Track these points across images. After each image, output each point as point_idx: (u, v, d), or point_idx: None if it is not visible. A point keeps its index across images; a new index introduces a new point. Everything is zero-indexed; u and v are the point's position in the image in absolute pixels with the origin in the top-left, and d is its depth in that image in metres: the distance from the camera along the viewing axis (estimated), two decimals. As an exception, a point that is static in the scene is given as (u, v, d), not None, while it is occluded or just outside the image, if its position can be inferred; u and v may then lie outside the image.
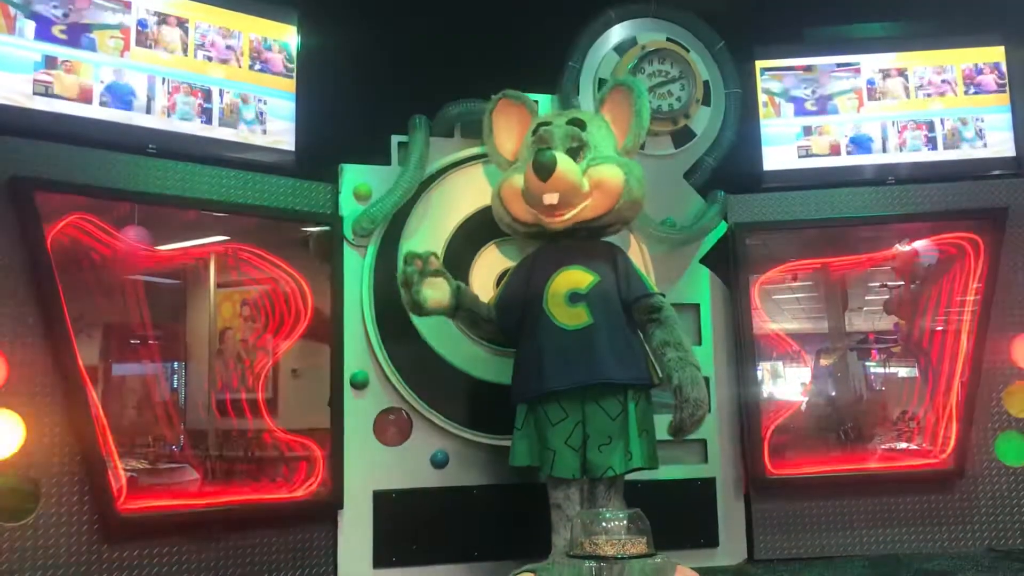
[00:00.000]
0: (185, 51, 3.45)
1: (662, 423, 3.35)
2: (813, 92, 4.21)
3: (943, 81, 4.19)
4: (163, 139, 3.37)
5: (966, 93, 4.18)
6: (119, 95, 3.29)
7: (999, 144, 4.14)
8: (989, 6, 4.26)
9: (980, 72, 4.18)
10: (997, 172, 4.12)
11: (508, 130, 3.61)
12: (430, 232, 3.79)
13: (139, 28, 3.36)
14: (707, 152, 4.11)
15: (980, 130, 4.15)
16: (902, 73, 4.21)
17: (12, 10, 3.10)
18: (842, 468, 4.13)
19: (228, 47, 3.54)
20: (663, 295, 3.38)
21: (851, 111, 4.20)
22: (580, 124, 3.38)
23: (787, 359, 4.50)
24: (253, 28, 3.61)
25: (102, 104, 3.25)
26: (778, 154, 4.18)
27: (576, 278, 3.27)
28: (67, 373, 3.01)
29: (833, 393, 4.53)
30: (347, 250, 3.71)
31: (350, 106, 3.88)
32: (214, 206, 3.48)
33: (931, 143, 4.16)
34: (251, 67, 3.59)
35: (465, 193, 3.83)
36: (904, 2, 4.35)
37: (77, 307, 3.17)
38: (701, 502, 3.88)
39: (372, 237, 3.72)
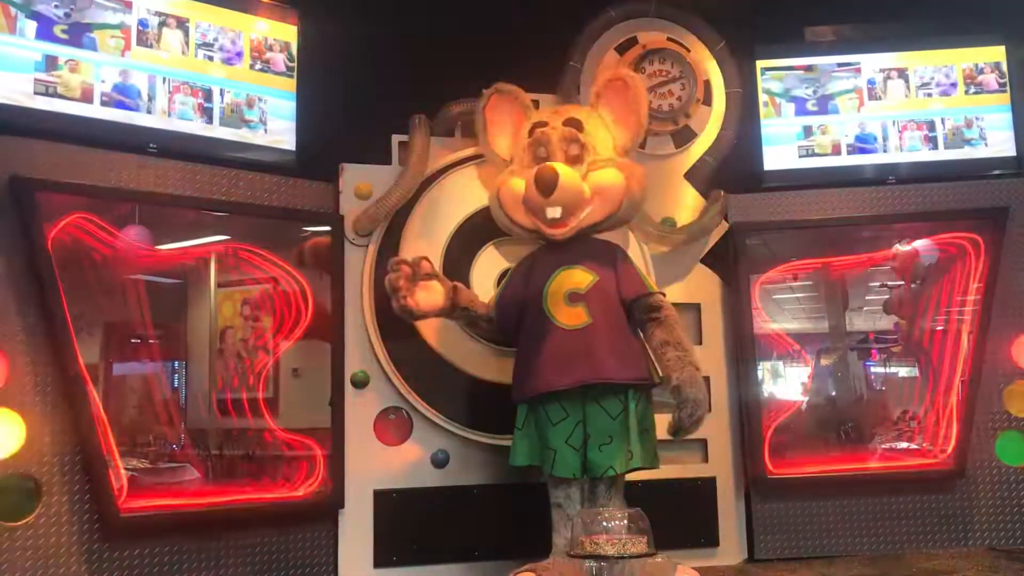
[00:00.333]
0: (186, 51, 3.45)
1: (663, 423, 3.35)
2: (814, 92, 4.21)
3: (943, 81, 4.18)
4: (163, 139, 3.36)
5: (967, 93, 4.18)
6: (120, 95, 3.29)
7: (1000, 144, 4.13)
8: (989, 6, 4.26)
9: (981, 72, 4.17)
10: (998, 172, 4.12)
11: (502, 126, 3.59)
12: (430, 232, 3.79)
13: (140, 28, 3.36)
14: (707, 152, 4.11)
15: (981, 130, 4.15)
16: (902, 73, 4.20)
17: (13, 10, 3.10)
18: (842, 468, 4.12)
19: (229, 47, 3.54)
20: (663, 294, 3.38)
21: (852, 111, 4.20)
22: (577, 125, 3.36)
23: (787, 359, 4.50)
24: (253, 28, 3.61)
25: (103, 104, 3.25)
26: (778, 154, 4.17)
27: (575, 278, 3.27)
28: (67, 373, 3.00)
29: (833, 393, 4.53)
30: (347, 250, 3.71)
31: (350, 106, 3.87)
32: (214, 206, 3.48)
33: (931, 143, 4.16)
34: (252, 67, 3.59)
35: (466, 193, 3.83)
36: (904, 2, 4.35)
37: (77, 307, 3.17)
38: (701, 501, 3.88)
39: (372, 237, 3.73)
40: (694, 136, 4.11)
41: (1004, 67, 4.16)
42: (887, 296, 4.52)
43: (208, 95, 3.49)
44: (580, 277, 3.27)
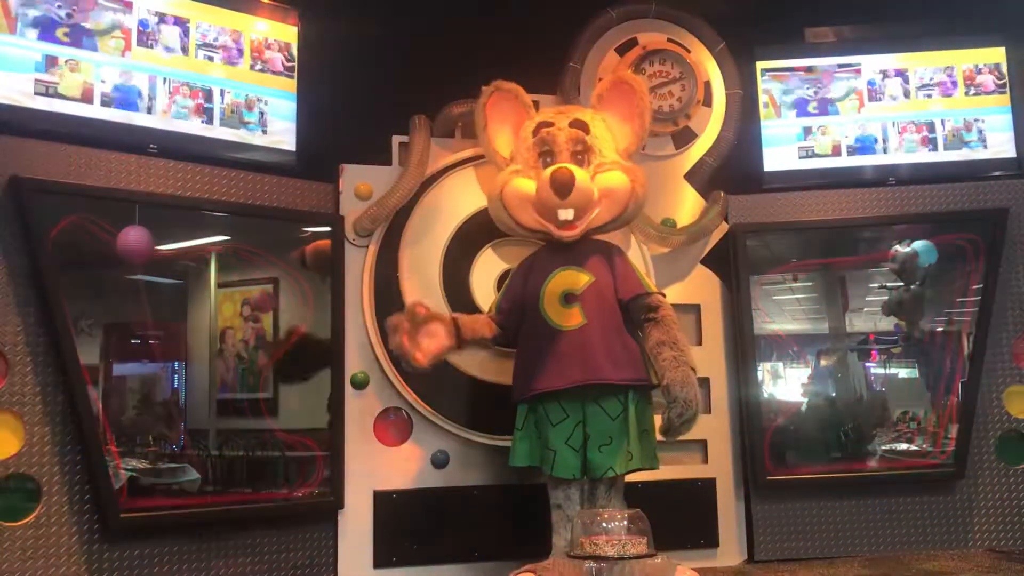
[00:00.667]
0: (186, 51, 3.45)
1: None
2: (814, 93, 4.21)
3: (943, 82, 4.18)
4: (163, 139, 3.36)
5: (966, 94, 4.18)
6: (120, 95, 3.29)
7: (999, 145, 4.13)
8: (989, 7, 4.26)
9: (980, 72, 4.17)
10: (998, 173, 4.12)
11: (502, 124, 3.54)
12: (430, 233, 3.79)
13: (140, 28, 3.36)
14: (708, 153, 4.11)
15: (981, 131, 4.15)
16: (902, 74, 4.20)
17: (13, 10, 3.10)
18: (842, 469, 4.13)
19: (229, 47, 3.54)
20: (663, 294, 3.38)
21: (852, 112, 4.20)
22: (584, 127, 3.35)
23: (787, 359, 4.50)
24: (253, 28, 3.61)
25: (103, 104, 3.25)
26: (779, 155, 4.17)
27: (572, 279, 3.27)
28: (67, 373, 3.00)
29: (833, 394, 4.53)
30: (347, 250, 3.71)
31: (350, 106, 3.87)
32: (214, 206, 3.48)
33: (931, 144, 4.16)
34: (252, 67, 3.59)
35: (466, 193, 3.83)
36: (904, 2, 4.35)
37: (77, 307, 3.17)
38: (701, 502, 3.88)
39: (373, 237, 3.73)
40: (694, 137, 4.11)
41: (1004, 68, 4.16)
42: (886, 297, 4.52)
43: (208, 95, 3.49)
44: (576, 278, 3.27)
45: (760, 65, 4.20)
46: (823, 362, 4.58)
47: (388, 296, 3.71)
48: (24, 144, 3.06)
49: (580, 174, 3.20)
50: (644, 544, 2.44)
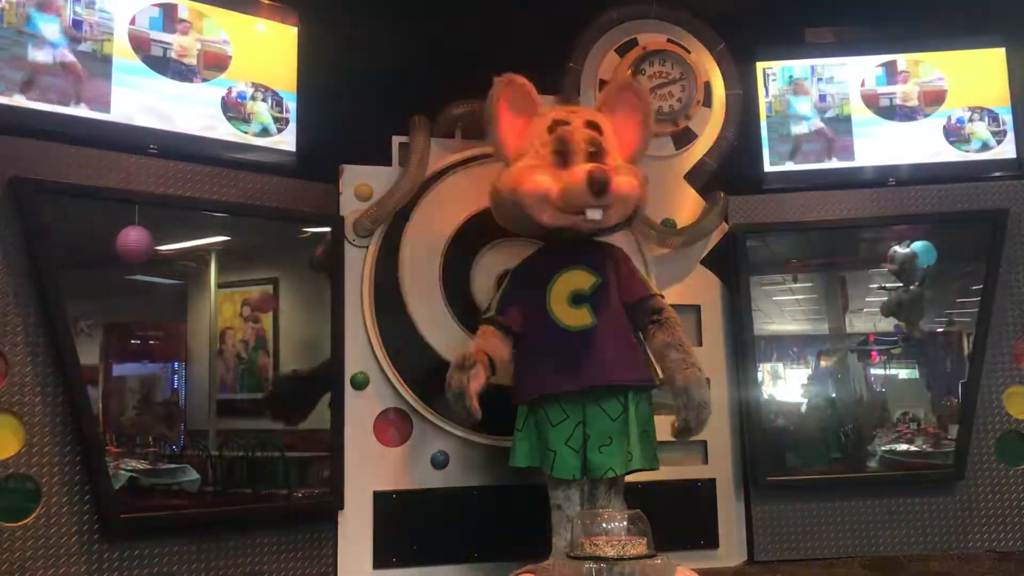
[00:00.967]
0: (186, 51, 3.45)
1: (662, 424, 3.36)
2: (815, 93, 4.20)
3: (943, 82, 4.18)
4: (163, 139, 3.36)
5: (967, 95, 4.17)
6: (120, 95, 3.28)
7: (1000, 146, 4.13)
8: (989, 8, 4.26)
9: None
10: (998, 174, 4.12)
11: (513, 119, 3.45)
12: (430, 233, 3.79)
13: (140, 28, 3.35)
14: (707, 153, 4.11)
15: (981, 132, 4.14)
16: (902, 74, 4.20)
17: (17, 9, 3.10)
18: (842, 470, 4.12)
19: (229, 47, 3.54)
20: (662, 296, 3.38)
21: (852, 112, 4.19)
22: (598, 128, 3.36)
23: (787, 360, 4.50)
24: (253, 28, 3.60)
25: (103, 104, 3.25)
26: (779, 155, 4.16)
27: (579, 279, 3.27)
28: (67, 373, 3.00)
29: (833, 394, 4.53)
30: (347, 251, 3.70)
31: (350, 106, 3.87)
32: (214, 206, 3.48)
33: (931, 145, 4.15)
34: (252, 67, 3.59)
35: (466, 194, 3.82)
36: (904, 3, 4.34)
37: (77, 307, 3.17)
38: (701, 503, 3.88)
39: (373, 238, 3.73)
40: (694, 137, 4.11)
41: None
42: (885, 298, 4.53)
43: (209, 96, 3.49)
44: (584, 278, 3.27)
45: (760, 65, 4.19)
46: (823, 363, 4.58)
47: (388, 296, 3.71)
48: (24, 144, 3.06)
49: (615, 176, 3.18)
50: (644, 545, 2.44)
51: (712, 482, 3.91)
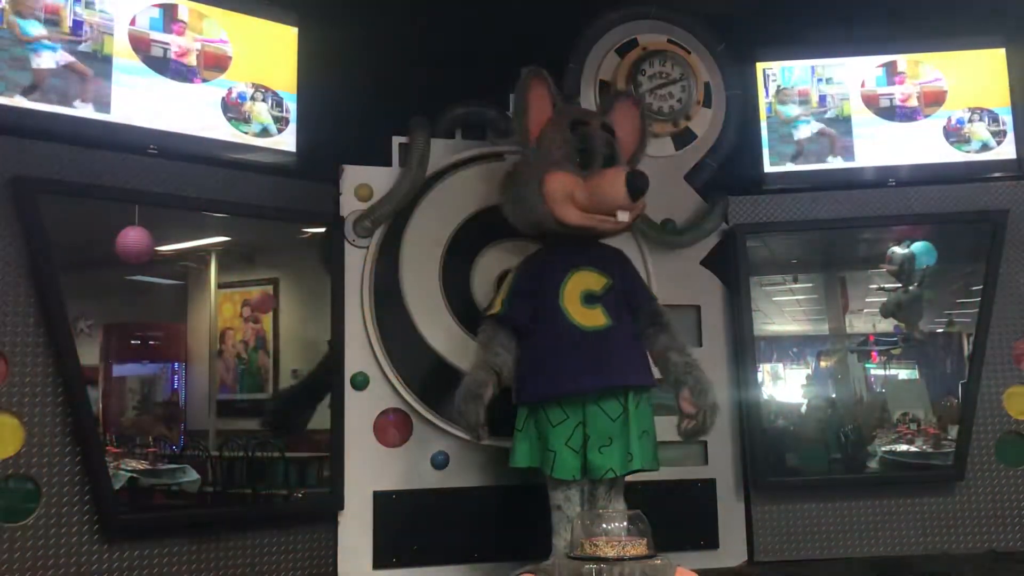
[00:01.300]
0: (186, 51, 3.45)
1: (662, 424, 3.36)
2: (815, 94, 4.20)
3: (943, 83, 4.18)
4: (163, 139, 3.36)
5: (967, 96, 4.17)
6: (120, 95, 3.28)
7: (1000, 146, 4.13)
8: (989, 8, 4.26)
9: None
10: (998, 174, 4.12)
11: (538, 111, 3.40)
12: (431, 233, 3.78)
13: (140, 28, 3.35)
14: (708, 154, 4.11)
15: (981, 132, 4.14)
16: (903, 75, 4.20)
17: (15, 9, 3.10)
18: (842, 470, 4.12)
19: (228, 47, 3.54)
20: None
21: (852, 113, 4.19)
22: (611, 132, 3.39)
23: (787, 361, 4.50)
24: (253, 28, 3.60)
25: (103, 104, 3.25)
26: (779, 155, 4.17)
27: (590, 279, 3.28)
28: (67, 373, 3.00)
29: (833, 395, 4.53)
30: (347, 251, 3.70)
31: (350, 106, 3.87)
32: (214, 206, 3.48)
33: (932, 145, 4.15)
34: (252, 67, 3.59)
35: (466, 194, 3.82)
36: (904, 3, 4.35)
37: (77, 307, 3.17)
38: (701, 503, 3.88)
39: (373, 238, 3.72)
40: (694, 138, 4.11)
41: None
42: (884, 299, 4.53)
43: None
44: (595, 279, 3.28)
45: (760, 66, 4.19)
46: (823, 363, 4.59)
47: (388, 296, 3.70)
48: (25, 144, 3.06)
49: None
50: (644, 545, 2.43)
51: (712, 482, 3.91)
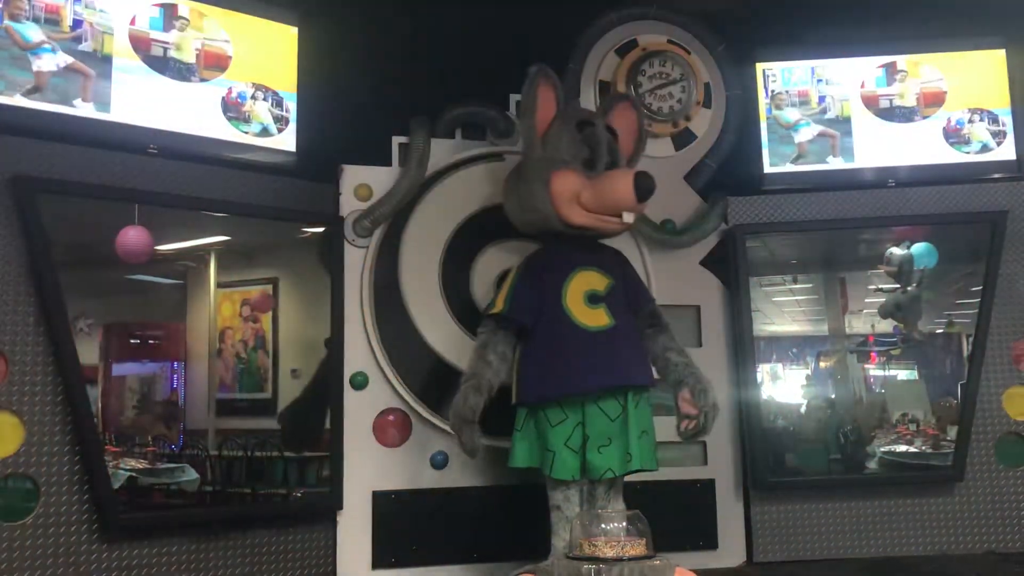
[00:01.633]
0: (186, 51, 3.45)
1: (662, 424, 3.36)
2: (815, 94, 4.20)
3: (943, 83, 4.18)
4: (163, 139, 3.36)
5: (967, 96, 4.17)
6: (120, 95, 3.28)
7: (999, 147, 4.13)
8: (989, 8, 4.26)
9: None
10: (997, 175, 4.12)
11: (545, 109, 3.39)
12: (430, 233, 3.79)
13: (140, 28, 3.35)
14: (707, 154, 4.11)
15: (981, 133, 4.15)
16: (903, 75, 4.20)
17: (15, 9, 3.10)
18: (842, 471, 4.12)
19: (229, 47, 3.54)
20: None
21: (852, 113, 4.19)
22: (614, 134, 3.41)
23: (787, 361, 4.50)
24: (253, 28, 3.60)
25: (103, 104, 3.25)
26: (779, 156, 4.17)
27: (593, 279, 3.28)
28: (67, 372, 3.00)
29: (833, 395, 4.53)
30: (347, 251, 3.70)
31: (350, 106, 3.87)
32: (214, 206, 3.48)
33: (931, 146, 4.15)
34: (252, 67, 3.59)
35: (466, 194, 3.82)
36: (905, 3, 4.35)
37: (77, 307, 3.17)
38: (700, 504, 3.88)
39: (373, 238, 3.73)
40: (694, 138, 4.11)
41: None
42: (882, 300, 4.53)
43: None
44: (598, 279, 3.28)
45: (760, 66, 4.19)
46: (823, 363, 4.59)
47: (388, 296, 3.70)
48: (25, 144, 3.06)
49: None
50: (643, 545, 2.44)
51: (712, 483, 3.91)
